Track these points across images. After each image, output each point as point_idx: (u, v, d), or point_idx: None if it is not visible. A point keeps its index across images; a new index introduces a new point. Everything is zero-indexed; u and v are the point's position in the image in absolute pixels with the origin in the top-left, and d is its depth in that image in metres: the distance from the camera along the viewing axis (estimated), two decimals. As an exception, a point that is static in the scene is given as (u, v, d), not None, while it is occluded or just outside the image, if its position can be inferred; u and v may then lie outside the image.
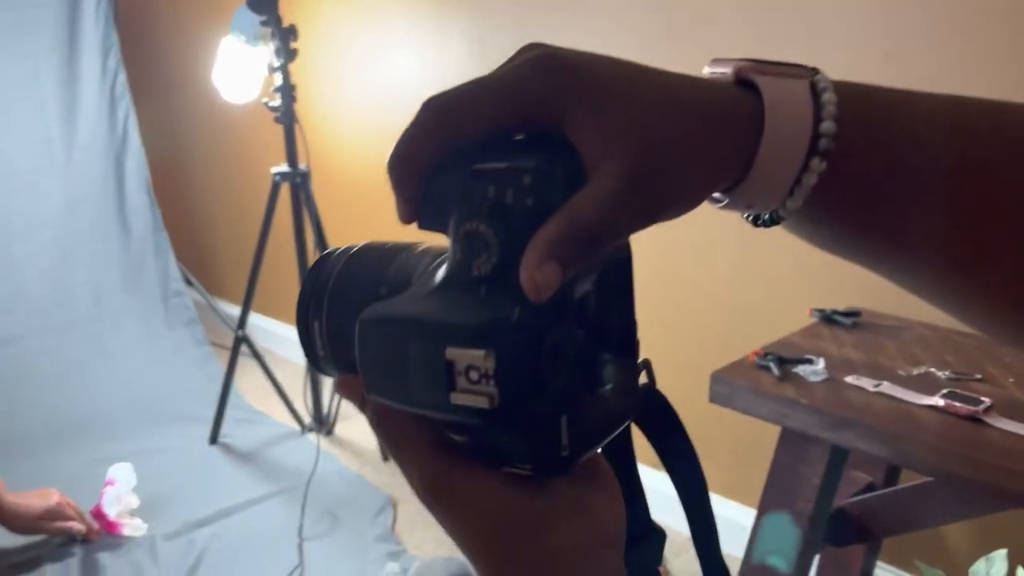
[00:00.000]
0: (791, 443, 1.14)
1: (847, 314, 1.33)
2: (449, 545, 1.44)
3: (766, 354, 1.16)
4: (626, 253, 0.37)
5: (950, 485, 1.09)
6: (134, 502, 1.76)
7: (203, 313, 2.66)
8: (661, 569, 0.42)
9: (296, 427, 2.21)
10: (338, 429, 2.24)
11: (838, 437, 1.04)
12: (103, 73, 2.57)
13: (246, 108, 2.15)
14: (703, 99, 0.33)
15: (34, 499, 1.65)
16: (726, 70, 0.35)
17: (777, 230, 0.38)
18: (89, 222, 2.51)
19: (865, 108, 0.35)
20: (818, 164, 0.33)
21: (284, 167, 2.01)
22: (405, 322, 0.33)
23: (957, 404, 1.00)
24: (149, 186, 2.62)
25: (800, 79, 0.34)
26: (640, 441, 0.41)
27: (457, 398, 0.32)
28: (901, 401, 1.04)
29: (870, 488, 1.34)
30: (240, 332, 2.09)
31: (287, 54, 1.91)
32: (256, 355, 2.17)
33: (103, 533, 1.72)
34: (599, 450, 0.39)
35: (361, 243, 0.41)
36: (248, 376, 2.34)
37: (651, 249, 1.39)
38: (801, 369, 1.12)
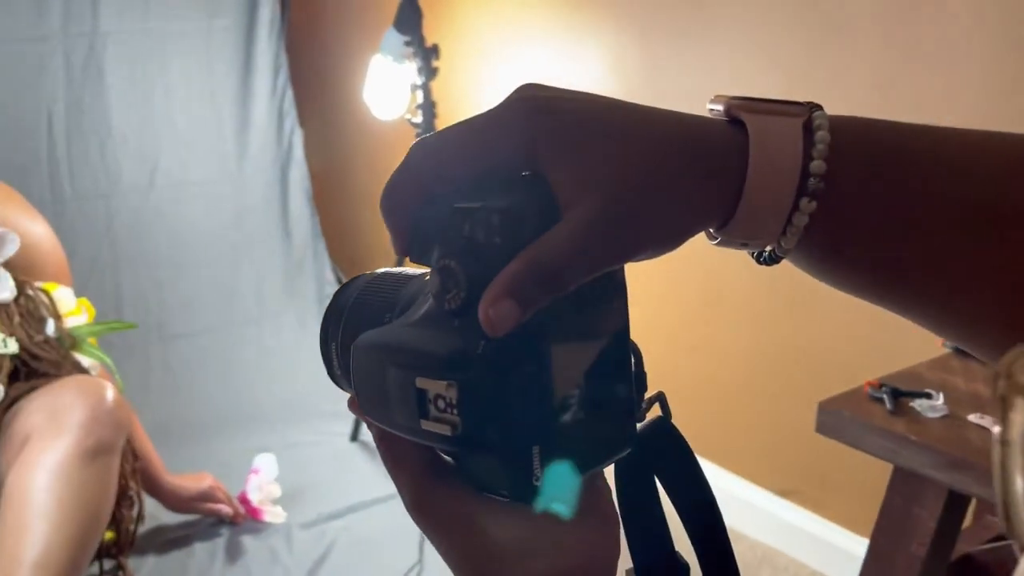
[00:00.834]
0: (903, 482, 1.07)
1: (984, 346, 1.23)
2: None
3: (881, 385, 1.10)
4: (616, 284, 0.36)
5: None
6: (276, 491, 1.89)
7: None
8: None
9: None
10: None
11: (952, 479, 0.97)
12: (273, 91, 2.78)
13: (393, 124, 2.26)
14: (687, 138, 0.33)
15: (190, 481, 1.81)
16: (721, 107, 0.34)
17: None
18: (256, 229, 2.72)
19: (868, 147, 0.34)
20: (807, 204, 0.32)
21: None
22: (385, 349, 0.35)
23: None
24: (310, 196, 2.81)
25: (794, 117, 0.33)
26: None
27: (426, 424, 0.33)
28: (1027, 445, 0.96)
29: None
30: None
31: (428, 72, 1.99)
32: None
33: (247, 518, 1.86)
34: (602, 479, 0.40)
35: (383, 269, 0.44)
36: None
37: (774, 269, 1.35)
38: (918, 403, 1.06)
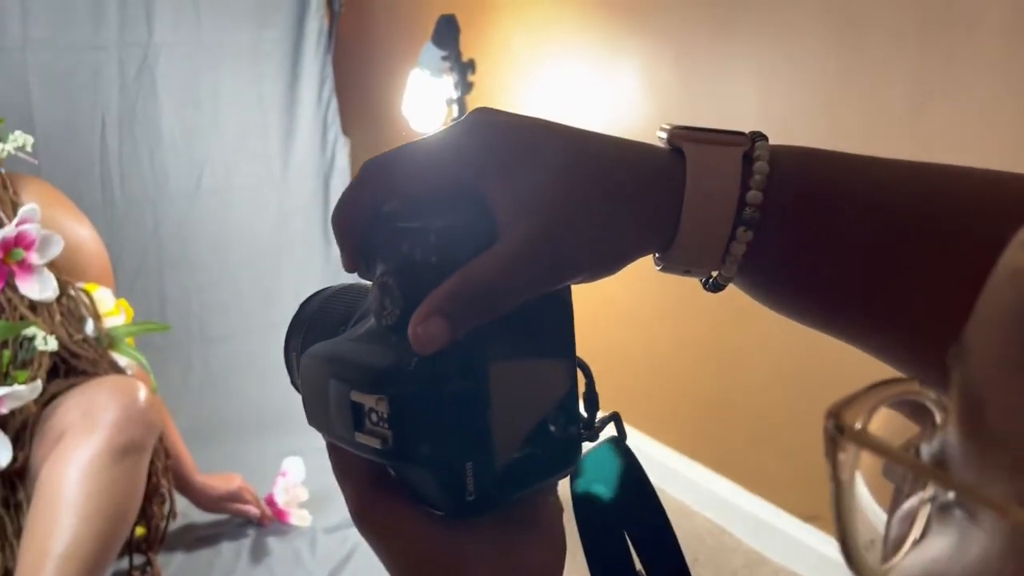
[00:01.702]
0: None
1: None
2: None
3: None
4: (561, 303, 0.36)
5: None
6: (303, 495, 1.92)
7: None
8: None
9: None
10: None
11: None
12: (318, 101, 2.83)
13: (431, 136, 2.29)
14: (624, 165, 0.33)
15: (220, 482, 1.85)
16: (665, 136, 0.35)
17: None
18: (297, 233, 2.77)
19: (807, 178, 0.34)
20: (744, 233, 0.33)
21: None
22: (328, 362, 0.36)
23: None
24: (350, 204, 2.85)
25: (734, 147, 0.33)
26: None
27: (360, 437, 0.34)
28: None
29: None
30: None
31: (464, 87, 2.02)
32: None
33: (273, 519, 1.89)
34: (554, 496, 0.40)
35: (348, 282, 0.45)
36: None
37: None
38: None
